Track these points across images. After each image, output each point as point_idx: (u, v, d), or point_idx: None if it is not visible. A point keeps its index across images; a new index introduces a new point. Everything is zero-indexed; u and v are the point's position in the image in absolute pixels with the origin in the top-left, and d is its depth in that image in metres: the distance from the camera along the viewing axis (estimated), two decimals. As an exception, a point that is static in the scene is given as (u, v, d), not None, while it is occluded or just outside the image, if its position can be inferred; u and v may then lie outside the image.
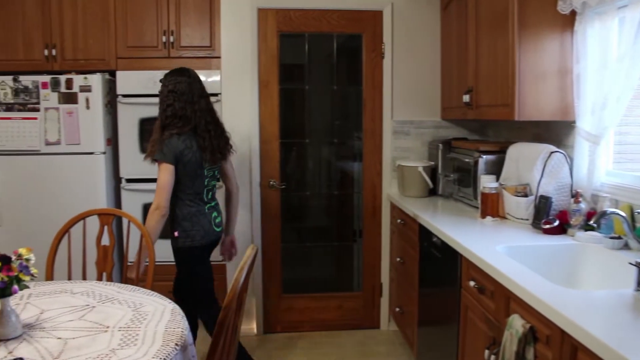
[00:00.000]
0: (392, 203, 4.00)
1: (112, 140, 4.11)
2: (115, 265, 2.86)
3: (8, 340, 1.76)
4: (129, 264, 2.92)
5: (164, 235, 2.92)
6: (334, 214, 4.30)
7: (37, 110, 3.91)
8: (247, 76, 3.91)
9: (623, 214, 2.26)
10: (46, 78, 3.90)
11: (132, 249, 3.15)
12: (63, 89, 3.90)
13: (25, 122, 3.91)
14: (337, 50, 4.06)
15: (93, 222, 2.84)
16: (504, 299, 2.02)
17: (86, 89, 3.90)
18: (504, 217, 2.98)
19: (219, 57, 3.98)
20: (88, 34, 4.03)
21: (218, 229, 3.10)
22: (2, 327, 1.76)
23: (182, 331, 1.85)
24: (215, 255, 4.13)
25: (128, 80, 3.97)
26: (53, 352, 1.68)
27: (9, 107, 3.91)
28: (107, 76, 4.03)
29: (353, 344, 3.94)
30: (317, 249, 4.31)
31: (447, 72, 3.88)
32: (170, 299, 2.26)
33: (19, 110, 3.91)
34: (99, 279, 2.75)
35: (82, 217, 2.78)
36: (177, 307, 2.09)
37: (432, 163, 3.86)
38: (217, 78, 4.03)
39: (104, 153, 3.98)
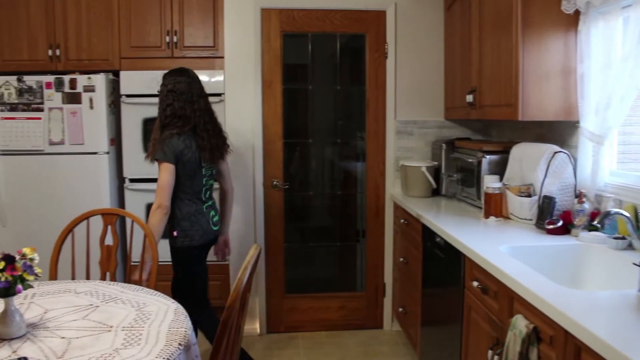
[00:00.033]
0: (395, 203, 4.00)
1: (116, 140, 4.12)
2: (118, 265, 2.87)
3: (12, 339, 1.77)
4: (133, 264, 2.92)
5: (163, 234, 2.93)
6: (337, 214, 4.30)
7: (41, 110, 3.92)
8: (250, 76, 3.92)
9: (627, 214, 2.26)
10: (50, 78, 3.91)
11: (135, 249, 3.16)
12: (67, 89, 3.91)
13: (29, 122, 3.92)
14: (341, 50, 4.06)
15: (97, 222, 2.85)
16: (508, 299, 2.02)
17: (90, 89, 3.91)
18: (507, 217, 2.97)
19: (222, 57, 3.98)
20: (92, 34, 4.03)
21: (215, 228, 3.12)
22: (6, 326, 1.77)
23: (185, 331, 1.86)
24: (215, 256, 4.14)
25: (131, 81, 3.98)
26: (57, 352, 1.69)
27: (13, 107, 3.92)
28: (110, 76, 4.04)
29: (356, 344, 3.94)
30: (320, 249, 4.31)
31: (450, 72, 3.88)
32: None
33: (23, 110, 3.92)
34: (103, 278, 2.76)
35: (86, 217, 2.78)
36: (180, 307, 2.09)
37: (436, 163, 3.86)
38: (221, 78, 4.03)
39: (108, 153, 3.98)
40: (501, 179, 3.10)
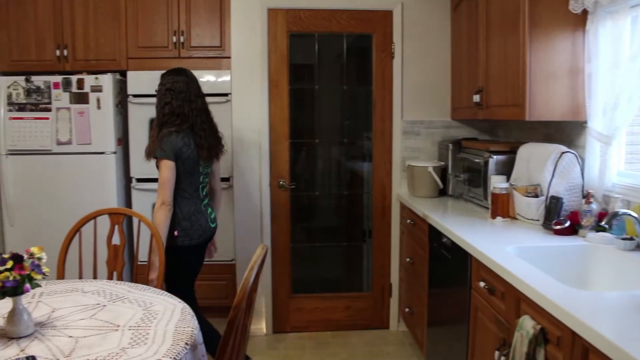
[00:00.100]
0: (401, 203, 3.99)
1: (123, 140, 4.13)
2: (125, 265, 2.87)
3: (20, 338, 1.78)
4: (140, 263, 2.93)
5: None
6: (344, 214, 4.30)
7: (49, 110, 3.94)
8: (257, 76, 3.92)
9: (635, 214, 2.25)
10: (58, 78, 3.93)
11: (142, 249, 3.17)
12: (74, 89, 3.93)
13: (37, 122, 3.94)
14: (347, 50, 4.06)
15: (104, 222, 2.86)
16: (515, 300, 2.01)
17: (97, 89, 3.93)
18: (514, 218, 2.96)
19: (229, 57, 3.99)
20: (99, 34, 4.05)
21: (213, 225, 3.16)
22: (15, 325, 1.78)
23: (192, 330, 1.86)
24: (222, 255, 4.16)
25: (139, 81, 3.99)
26: (64, 351, 1.69)
27: (21, 107, 3.94)
28: (117, 76, 4.05)
29: (362, 344, 3.94)
30: (326, 249, 4.31)
31: (457, 72, 3.87)
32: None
33: (31, 110, 3.94)
34: (110, 278, 2.77)
35: (93, 216, 2.79)
36: (187, 306, 2.10)
37: (442, 163, 3.85)
38: (227, 78, 4.04)
39: (115, 153, 4.00)
40: (508, 179, 3.09)
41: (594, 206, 2.50)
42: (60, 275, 2.67)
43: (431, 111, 4.05)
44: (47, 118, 3.94)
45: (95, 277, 2.74)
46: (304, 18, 3.93)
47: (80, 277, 2.71)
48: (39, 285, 1.82)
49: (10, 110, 3.94)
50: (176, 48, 4.08)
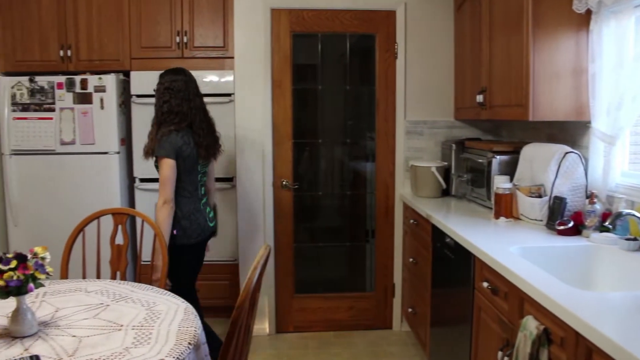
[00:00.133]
0: (404, 203, 3.99)
1: (126, 140, 4.14)
2: (128, 265, 2.88)
3: (24, 337, 1.78)
4: (143, 263, 2.94)
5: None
6: (347, 214, 4.30)
7: (53, 110, 3.95)
8: (260, 76, 3.92)
9: (639, 215, 2.24)
10: (61, 78, 3.94)
11: (145, 249, 3.18)
12: (78, 89, 3.94)
13: (40, 122, 3.95)
14: (350, 51, 4.06)
15: (107, 222, 2.86)
16: (518, 301, 2.01)
17: (101, 89, 3.94)
18: (517, 218, 2.96)
19: (232, 58, 3.99)
20: (103, 35, 4.06)
21: (212, 224, 3.18)
22: (18, 324, 1.78)
23: (195, 330, 1.86)
24: (224, 255, 4.16)
25: (142, 81, 4.00)
26: (68, 350, 1.70)
27: (25, 107, 3.95)
28: (121, 76, 4.06)
29: (365, 344, 3.94)
30: (329, 249, 4.31)
31: (460, 72, 3.87)
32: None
33: (35, 111, 3.95)
34: (113, 277, 2.77)
35: (96, 216, 2.80)
36: (190, 306, 2.10)
37: (445, 163, 3.85)
38: (230, 78, 4.04)
39: (118, 153, 4.01)
40: (511, 180, 3.08)
41: (598, 206, 2.49)
42: (64, 275, 2.67)
43: (434, 111, 4.04)
44: (51, 118, 3.95)
45: (98, 277, 2.75)
46: (307, 18, 3.93)
47: (84, 277, 2.72)
48: (42, 285, 1.83)
49: (14, 111, 3.95)
50: (179, 48, 4.08)
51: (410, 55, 3.99)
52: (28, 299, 1.89)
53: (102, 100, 3.94)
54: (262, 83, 3.93)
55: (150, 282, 2.78)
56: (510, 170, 3.16)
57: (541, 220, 2.78)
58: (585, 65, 2.67)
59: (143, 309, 2.06)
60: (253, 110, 3.95)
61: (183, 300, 2.18)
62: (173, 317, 1.97)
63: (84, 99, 3.94)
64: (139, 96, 4.02)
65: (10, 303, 1.83)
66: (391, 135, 4.06)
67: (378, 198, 4.13)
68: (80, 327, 1.89)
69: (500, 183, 3.00)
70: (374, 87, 4.03)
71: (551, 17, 2.67)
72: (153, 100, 3.90)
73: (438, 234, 3.08)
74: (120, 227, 2.81)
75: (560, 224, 2.55)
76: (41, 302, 2.14)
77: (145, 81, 3.99)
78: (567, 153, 2.72)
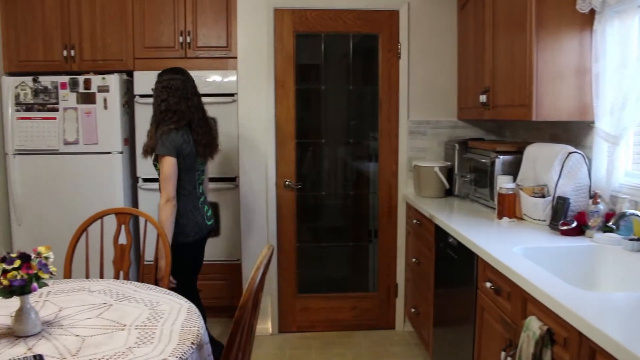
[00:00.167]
0: (407, 203, 3.98)
1: (129, 140, 4.15)
2: (132, 264, 2.88)
3: (27, 337, 1.79)
4: (146, 263, 2.94)
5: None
6: (350, 214, 4.30)
7: (56, 110, 3.96)
8: (263, 76, 3.93)
9: (642, 215, 2.23)
10: (65, 78, 3.95)
11: (149, 248, 3.18)
12: (81, 89, 3.95)
13: (44, 122, 3.96)
14: (353, 50, 4.06)
15: (110, 221, 2.87)
16: (521, 301, 2.01)
17: (104, 89, 3.94)
18: (520, 218, 2.95)
19: (235, 58, 4.00)
20: (106, 35, 4.07)
21: (210, 222, 3.19)
22: (22, 324, 1.79)
23: (198, 330, 1.86)
24: (227, 255, 4.17)
25: (145, 81, 4.00)
26: (71, 350, 1.70)
27: (28, 107, 3.96)
28: (124, 76, 4.07)
29: (368, 344, 3.94)
30: (332, 249, 4.30)
31: (463, 72, 3.86)
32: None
33: (39, 111, 3.96)
34: (116, 277, 2.78)
35: (100, 216, 2.80)
36: (193, 306, 2.10)
37: (449, 163, 3.85)
38: (233, 78, 4.05)
39: (121, 153, 4.01)
40: (515, 180, 3.08)
41: (601, 207, 2.49)
42: (67, 275, 2.68)
43: (437, 111, 4.04)
44: (55, 118, 3.96)
45: (101, 277, 2.75)
46: (310, 18, 3.93)
47: (87, 277, 2.73)
48: (46, 285, 1.83)
49: (18, 111, 3.96)
50: (182, 48, 4.09)
51: (414, 55, 3.99)
52: (32, 298, 1.90)
53: (105, 100, 3.95)
54: (265, 83, 3.93)
55: (153, 281, 2.79)
56: (513, 170, 3.15)
57: (544, 221, 2.77)
58: (589, 65, 2.66)
59: (146, 309, 2.06)
60: (256, 110, 3.95)
61: (186, 300, 2.18)
62: (176, 317, 1.98)
63: (88, 99, 3.95)
64: (142, 96, 4.02)
65: (14, 302, 1.84)
66: (394, 135, 4.05)
67: (381, 198, 4.12)
68: (83, 326, 1.89)
69: (504, 183, 2.99)
70: (377, 87, 4.03)
71: (555, 17, 2.66)
72: (156, 100, 3.96)
73: (441, 234, 3.08)
74: (123, 226, 2.82)
75: (563, 224, 2.55)
76: (44, 301, 2.14)
77: (148, 81, 3.98)
78: (570, 153, 2.72)
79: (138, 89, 4.03)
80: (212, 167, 4.11)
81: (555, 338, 1.74)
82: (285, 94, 3.98)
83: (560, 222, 2.57)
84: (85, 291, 2.27)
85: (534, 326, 1.82)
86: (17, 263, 1.75)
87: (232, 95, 4.06)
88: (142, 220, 3.76)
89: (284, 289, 4.12)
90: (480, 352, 2.49)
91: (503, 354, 2.10)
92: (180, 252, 3.01)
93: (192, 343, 1.77)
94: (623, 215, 2.28)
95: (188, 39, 4.07)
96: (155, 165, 3.04)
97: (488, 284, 2.32)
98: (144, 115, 4.02)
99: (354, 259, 4.33)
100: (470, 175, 3.57)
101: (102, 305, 2.10)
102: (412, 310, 3.82)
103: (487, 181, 3.28)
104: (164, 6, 4.06)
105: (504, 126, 4.03)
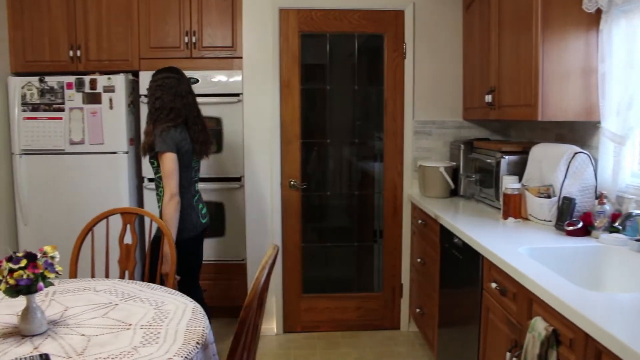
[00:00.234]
0: (413, 203, 3.98)
1: (135, 140, 4.16)
2: (137, 264, 2.89)
3: (34, 336, 1.79)
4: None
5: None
6: (355, 214, 4.29)
7: (62, 110, 3.97)
8: (268, 76, 3.93)
9: (649, 216, 2.22)
10: (71, 79, 3.96)
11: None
12: (87, 90, 3.96)
13: (50, 122, 3.97)
14: (359, 50, 4.05)
15: (116, 221, 2.88)
16: (527, 301, 2.00)
17: (110, 89, 3.95)
18: (526, 219, 2.94)
19: (241, 58, 4.00)
20: (112, 35, 4.08)
21: (204, 220, 3.19)
22: (28, 323, 1.79)
23: (203, 330, 1.87)
24: (233, 255, 4.17)
25: (151, 81, 4.01)
26: (77, 349, 1.71)
27: (35, 107, 3.97)
28: (130, 76, 4.08)
29: (373, 344, 3.93)
30: (337, 249, 4.30)
31: (469, 72, 3.86)
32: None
33: (45, 111, 3.97)
34: (122, 277, 2.78)
35: (105, 215, 2.81)
36: (198, 305, 2.10)
37: (454, 163, 3.84)
38: (239, 78, 4.05)
39: (127, 153, 4.02)
40: (520, 180, 3.07)
41: (607, 207, 2.47)
42: (73, 274, 2.69)
43: (443, 111, 4.03)
44: (61, 118, 3.97)
45: (107, 276, 2.76)
46: (315, 18, 3.93)
47: (93, 276, 2.73)
48: (52, 284, 1.84)
49: (24, 111, 3.98)
50: (188, 48, 4.09)
51: (419, 55, 3.98)
52: (38, 297, 1.91)
53: (111, 100, 3.96)
54: (270, 83, 3.93)
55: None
56: (519, 170, 3.15)
57: (550, 221, 2.77)
58: (595, 65, 2.65)
59: (151, 308, 2.06)
60: (261, 110, 3.95)
61: (191, 299, 2.18)
62: (181, 317, 1.98)
63: (93, 99, 3.96)
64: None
65: (20, 302, 1.84)
66: (399, 135, 4.05)
67: (386, 198, 4.12)
68: (89, 326, 1.90)
69: (509, 183, 2.98)
70: (382, 87, 4.02)
71: (561, 16, 2.65)
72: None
73: (446, 235, 3.07)
74: (129, 226, 2.82)
75: (569, 225, 2.54)
76: (50, 301, 2.15)
77: (154, 81, 4.01)
78: (576, 153, 2.71)
79: (144, 89, 4.03)
80: (217, 167, 4.12)
81: (560, 339, 1.74)
82: (291, 94, 3.98)
83: (566, 222, 2.56)
84: (91, 291, 2.27)
85: (539, 327, 1.81)
86: (23, 262, 1.75)
87: (237, 95, 4.06)
88: (147, 220, 3.77)
89: (289, 289, 4.12)
90: (485, 353, 2.49)
91: (508, 354, 2.09)
92: (176, 249, 3.01)
93: (197, 343, 1.77)
94: (629, 215, 2.28)
95: (193, 39, 4.08)
96: (152, 164, 3.06)
97: (493, 285, 2.31)
98: (150, 115, 4.04)
99: (359, 259, 4.33)
100: (476, 176, 3.56)
101: (107, 305, 2.10)
102: (417, 310, 3.81)
103: (493, 181, 3.28)
104: (170, 6, 4.07)
105: (509, 126, 4.02)
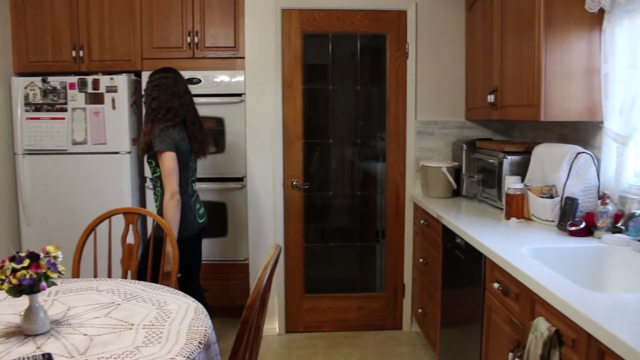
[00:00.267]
0: (415, 204, 3.98)
1: (137, 140, 4.16)
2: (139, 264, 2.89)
3: (36, 335, 1.80)
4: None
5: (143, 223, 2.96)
6: (357, 215, 4.29)
7: (65, 110, 3.98)
8: (270, 76, 3.93)
9: (652, 216, 2.22)
10: (74, 79, 3.97)
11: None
12: (90, 90, 3.96)
13: (53, 122, 3.98)
14: (361, 51, 4.05)
15: (118, 221, 2.88)
16: (529, 302, 2.00)
17: (112, 89, 3.96)
18: (528, 219, 2.94)
19: (243, 58, 4.00)
20: (114, 35, 4.09)
21: (201, 220, 3.21)
22: (31, 323, 1.80)
23: (205, 330, 1.87)
24: (235, 255, 4.17)
25: (153, 81, 4.01)
26: (79, 348, 1.71)
27: (37, 108, 3.98)
28: (132, 77, 4.08)
29: (375, 344, 3.93)
30: (339, 249, 4.30)
31: (471, 72, 3.85)
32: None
33: (48, 111, 3.98)
34: (124, 277, 2.79)
35: (108, 215, 2.81)
36: (200, 305, 2.11)
37: (456, 164, 3.84)
38: (241, 78, 4.05)
39: (129, 153, 4.03)
40: (523, 180, 3.06)
41: (610, 207, 2.47)
42: (76, 274, 2.69)
43: (445, 111, 4.03)
44: (63, 118, 3.98)
45: (109, 276, 2.76)
46: (317, 18, 3.93)
47: (95, 276, 2.74)
48: (54, 284, 1.84)
49: (27, 111, 3.98)
50: (190, 48, 4.10)
51: (421, 55, 3.98)
52: (40, 297, 1.91)
53: (113, 100, 3.96)
54: (272, 83, 3.93)
55: (161, 277, 2.80)
56: (521, 170, 3.14)
57: (552, 221, 2.76)
58: (598, 65, 2.65)
59: (154, 308, 2.07)
60: (264, 110, 3.95)
61: (194, 299, 2.18)
62: (184, 317, 1.98)
63: (96, 99, 3.97)
64: (150, 96, 4.03)
65: (23, 301, 1.85)
66: (402, 136, 4.05)
67: (388, 198, 4.12)
68: (91, 325, 1.90)
69: (512, 183, 2.98)
70: (385, 87, 4.02)
71: (563, 16, 2.65)
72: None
73: (448, 235, 3.07)
74: (131, 226, 2.83)
75: (571, 225, 2.54)
76: (53, 300, 2.15)
77: (156, 81, 4.01)
78: (579, 153, 2.70)
79: (146, 89, 4.05)
80: (219, 167, 4.13)
81: (563, 339, 1.73)
82: (293, 94, 3.98)
83: (569, 222, 2.56)
84: (94, 290, 2.28)
85: (542, 327, 1.81)
86: (26, 262, 1.76)
87: (239, 95, 4.06)
88: (150, 220, 3.78)
89: (291, 289, 4.13)
90: (487, 353, 2.49)
91: (511, 355, 2.09)
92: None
93: (200, 343, 1.77)
94: (632, 216, 2.27)
95: (196, 39, 4.08)
96: (150, 163, 3.07)
97: (496, 285, 2.31)
98: (152, 115, 4.04)
99: (361, 259, 4.33)
100: (478, 176, 3.56)
101: (110, 305, 2.11)
102: (420, 310, 3.81)
103: (495, 181, 3.27)
104: (172, 6, 4.07)
105: (512, 126, 4.01)
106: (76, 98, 3.97)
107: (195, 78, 4.03)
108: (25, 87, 3.96)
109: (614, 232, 2.41)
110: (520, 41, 2.90)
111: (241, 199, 4.12)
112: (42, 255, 1.81)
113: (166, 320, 1.95)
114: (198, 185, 4.00)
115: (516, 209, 2.93)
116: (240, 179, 4.14)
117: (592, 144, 2.83)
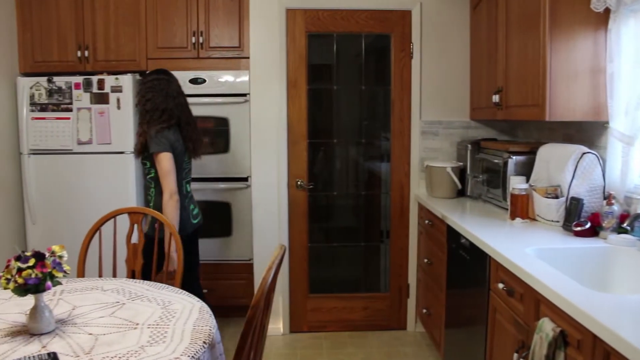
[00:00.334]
0: (419, 204, 3.97)
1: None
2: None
3: (42, 335, 1.80)
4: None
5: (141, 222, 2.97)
6: (362, 215, 4.29)
7: (70, 110, 3.99)
8: (275, 76, 3.93)
9: (658, 216, 2.21)
10: (79, 79, 3.98)
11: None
12: (95, 90, 3.97)
13: (58, 122, 3.99)
14: (366, 50, 4.05)
15: (123, 221, 2.88)
16: (534, 302, 2.00)
17: (117, 89, 3.97)
18: (533, 219, 2.93)
19: (248, 58, 4.00)
20: (119, 35, 4.10)
21: (195, 221, 3.22)
22: (36, 322, 1.80)
23: (210, 329, 1.87)
24: (240, 255, 4.18)
25: (158, 81, 4.02)
26: (84, 348, 1.71)
27: (43, 108, 3.99)
28: (137, 77, 4.09)
29: (379, 344, 3.93)
30: (344, 249, 4.30)
31: (476, 72, 3.84)
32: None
33: (53, 111, 3.99)
34: (129, 276, 2.79)
35: (113, 215, 2.82)
36: (205, 305, 2.11)
37: (461, 164, 3.83)
38: (246, 78, 4.06)
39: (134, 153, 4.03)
40: (528, 180, 3.06)
41: (616, 208, 2.46)
42: (81, 274, 2.70)
43: (450, 111, 4.03)
44: (68, 118, 3.99)
45: (114, 276, 2.77)
46: (322, 18, 3.94)
47: (100, 276, 2.74)
48: (60, 283, 1.85)
49: (32, 111, 4.00)
50: (195, 48, 4.10)
51: (426, 55, 3.98)
52: (46, 296, 1.92)
53: (118, 100, 3.97)
54: (277, 83, 3.93)
55: (164, 277, 2.80)
56: (526, 170, 3.13)
57: (558, 222, 2.75)
58: (603, 65, 2.64)
59: (158, 308, 2.07)
60: (268, 110, 3.96)
61: (198, 299, 2.19)
62: (188, 316, 1.98)
63: (101, 99, 3.98)
64: (155, 96, 4.04)
65: (29, 301, 1.86)
66: (406, 136, 4.04)
67: (393, 198, 4.12)
68: (96, 325, 1.90)
69: (517, 184, 2.97)
70: (389, 87, 4.02)
71: (569, 16, 2.64)
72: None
73: (453, 235, 3.06)
74: (136, 226, 2.83)
75: (577, 225, 2.53)
76: (58, 300, 2.16)
77: (161, 81, 4.02)
78: (584, 153, 2.70)
79: (151, 89, 4.05)
80: (224, 167, 4.13)
81: (568, 340, 1.73)
82: (298, 94, 3.98)
83: (574, 223, 2.55)
84: (99, 290, 2.28)
85: (547, 328, 1.81)
86: (31, 262, 1.76)
87: (244, 95, 4.07)
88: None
89: (296, 289, 4.13)
90: (492, 354, 2.48)
91: (515, 355, 2.09)
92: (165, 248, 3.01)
93: (204, 342, 1.77)
94: (638, 216, 2.26)
95: (201, 39, 4.09)
96: (145, 164, 3.10)
97: (500, 285, 2.31)
98: (157, 115, 4.05)
99: (366, 259, 4.33)
100: (483, 176, 3.55)
101: (115, 304, 2.11)
102: (424, 310, 3.81)
103: (500, 182, 3.27)
104: (177, 7, 4.08)
105: (516, 126, 4.00)
106: (81, 98, 3.98)
107: (200, 78, 4.04)
108: (31, 87, 3.98)
109: (619, 233, 2.40)
110: (525, 41, 2.90)
111: (246, 199, 4.13)
112: (47, 254, 1.81)
113: (171, 319, 1.95)
114: (203, 185, 4.02)
115: (521, 209, 2.92)
116: (245, 179, 4.14)
117: (597, 144, 2.82)
